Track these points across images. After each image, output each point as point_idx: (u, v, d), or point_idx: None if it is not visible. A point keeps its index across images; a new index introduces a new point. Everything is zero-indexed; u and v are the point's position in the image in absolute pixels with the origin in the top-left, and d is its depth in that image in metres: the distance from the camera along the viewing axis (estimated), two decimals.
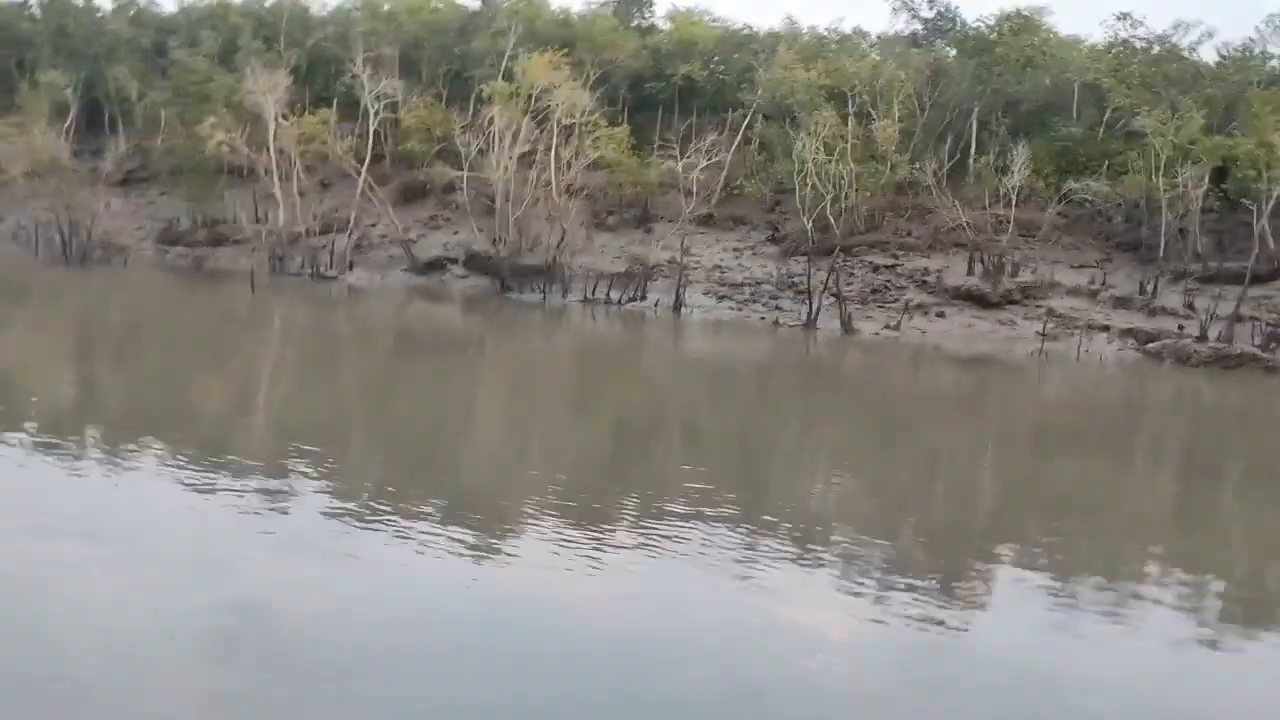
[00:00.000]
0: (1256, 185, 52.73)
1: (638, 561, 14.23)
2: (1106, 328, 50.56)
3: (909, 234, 59.39)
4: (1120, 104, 58.40)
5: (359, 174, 61.99)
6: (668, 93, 70.19)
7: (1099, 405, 37.63)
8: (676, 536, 15.24)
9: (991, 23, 62.33)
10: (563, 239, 58.25)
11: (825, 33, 69.72)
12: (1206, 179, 52.32)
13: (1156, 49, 63.74)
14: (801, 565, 14.78)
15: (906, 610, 12.93)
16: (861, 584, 14.11)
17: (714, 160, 60.76)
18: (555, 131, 59.79)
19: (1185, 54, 63.64)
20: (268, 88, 61.03)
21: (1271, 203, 51.23)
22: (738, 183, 61.98)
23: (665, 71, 69.99)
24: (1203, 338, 47.60)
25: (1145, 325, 50.24)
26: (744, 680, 10.61)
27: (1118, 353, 48.69)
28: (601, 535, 15.24)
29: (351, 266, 62.32)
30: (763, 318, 53.88)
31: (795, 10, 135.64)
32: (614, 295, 56.59)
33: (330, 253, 62.47)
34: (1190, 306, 51.30)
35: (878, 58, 63.26)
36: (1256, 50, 63.02)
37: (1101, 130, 59.36)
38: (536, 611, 11.94)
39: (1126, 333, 49.90)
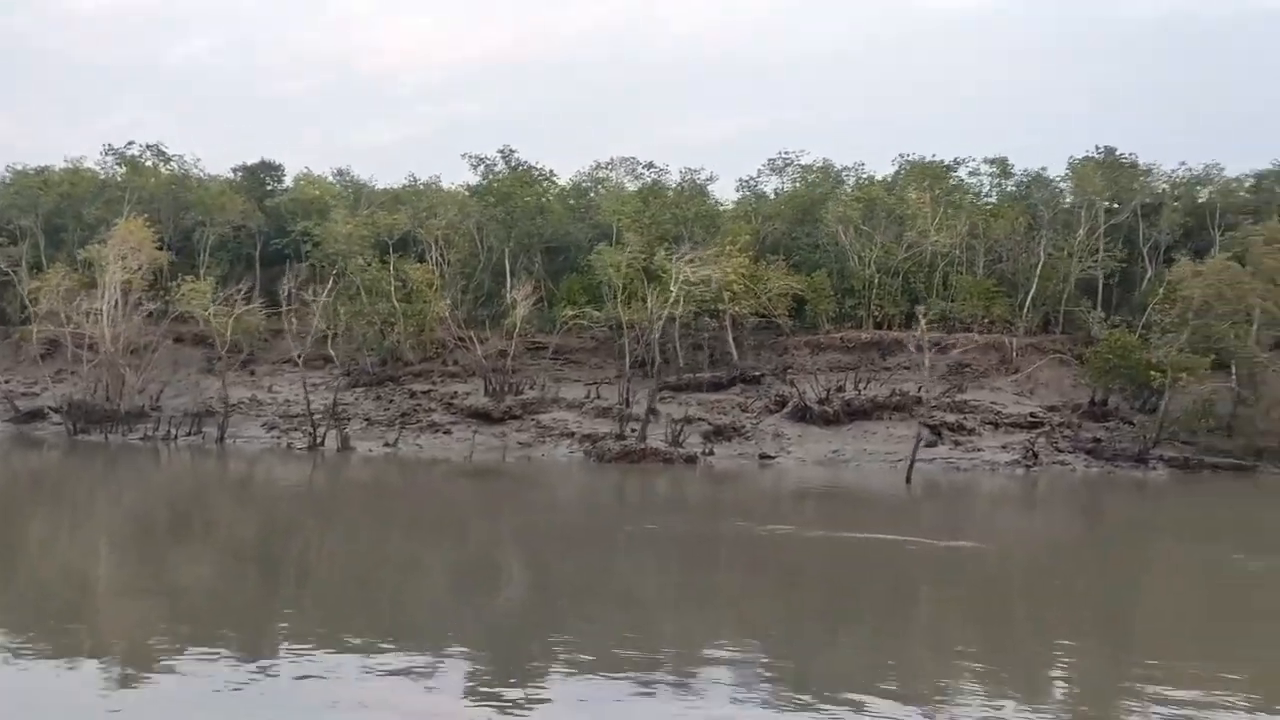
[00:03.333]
0: (720, 307, 63.01)
1: None
2: (573, 434, 59.46)
3: (455, 362, 68.06)
4: (636, 242, 68.17)
5: None
6: (291, 247, 78.22)
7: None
8: None
9: (506, 176, 72.33)
10: (136, 384, 65.73)
11: (404, 184, 78.71)
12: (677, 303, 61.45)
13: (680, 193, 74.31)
14: None
15: None
16: None
17: (307, 305, 68.47)
18: (139, 289, 67.65)
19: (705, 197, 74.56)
20: None
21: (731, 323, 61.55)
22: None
23: (286, 229, 78.05)
24: (622, 436, 56.73)
25: (604, 430, 59.20)
26: None
27: (569, 454, 57.53)
28: None
29: None
30: (290, 444, 61.55)
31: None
32: (176, 431, 63.88)
33: None
34: (653, 412, 60.53)
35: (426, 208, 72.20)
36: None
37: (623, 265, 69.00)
38: None
39: (586, 438, 58.83)
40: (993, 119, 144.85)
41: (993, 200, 71.97)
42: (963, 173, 72.42)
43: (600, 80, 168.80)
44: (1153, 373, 54.91)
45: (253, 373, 71.86)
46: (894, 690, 15.43)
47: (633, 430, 58.54)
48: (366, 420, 63.50)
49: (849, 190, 69.85)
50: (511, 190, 70.39)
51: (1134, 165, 70.08)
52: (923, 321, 53.15)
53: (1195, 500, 47.58)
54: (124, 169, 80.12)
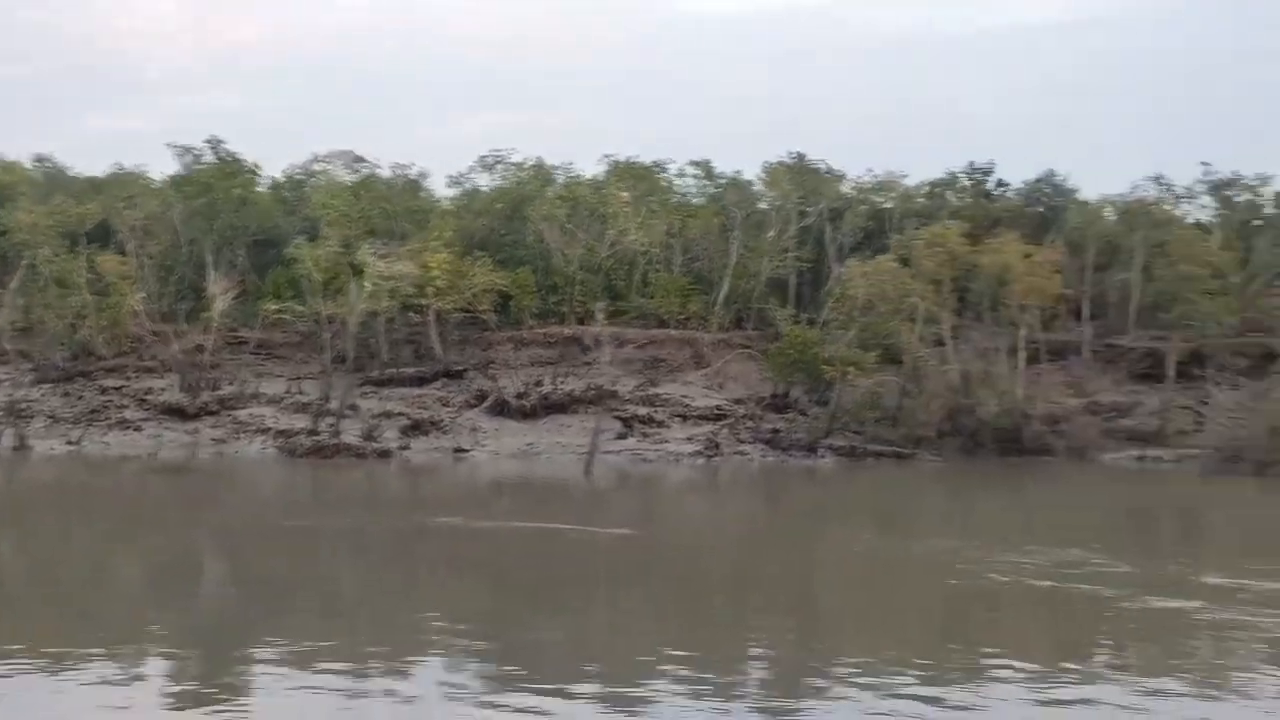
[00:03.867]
0: (423, 302, 63.50)
1: None
2: (268, 430, 58.92)
3: (153, 357, 66.14)
4: (345, 235, 67.68)
5: None
6: None
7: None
8: None
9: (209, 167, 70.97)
10: None
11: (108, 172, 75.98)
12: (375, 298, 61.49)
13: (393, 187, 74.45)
14: None
15: None
16: None
17: None
18: None
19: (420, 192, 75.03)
20: None
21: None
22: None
23: None
24: (314, 432, 56.72)
25: (301, 425, 58.88)
26: None
27: (262, 451, 57.03)
28: None
29: None
30: None
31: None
32: None
33: None
34: (353, 407, 60.51)
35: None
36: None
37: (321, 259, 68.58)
38: None
39: (281, 434, 58.39)
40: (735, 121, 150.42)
41: (701, 202, 74.95)
42: (671, 174, 75.19)
43: (366, 76, 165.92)
44: (824, 367, 58.64)
45: None
46: (597, 673, 16.33)
47: (330, 426, 58.51)
48: (51, 417, 61.09)
49: (557, 189, 71.35)
50: (212, 181, 68.87)
51: (825, 171, 74.39)
52: (600, 318, 55.13)
53: (853, 487, 51.17)
54: None
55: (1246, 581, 24.05)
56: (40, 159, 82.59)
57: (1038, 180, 76.04)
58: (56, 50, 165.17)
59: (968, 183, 78.71)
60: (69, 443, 57.91)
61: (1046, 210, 73.29)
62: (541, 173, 74.39)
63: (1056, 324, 67.30)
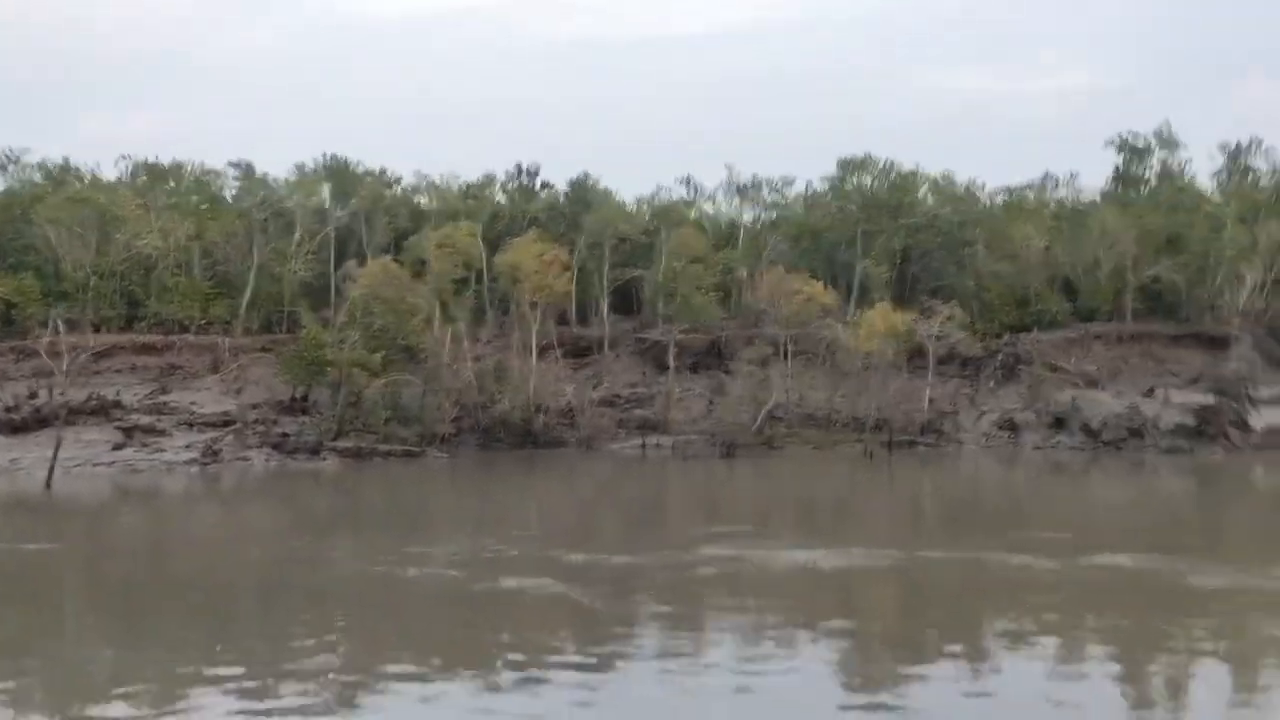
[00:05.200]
0: None
1: None
2: None
3: None
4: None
5: None
6: None
7: None
8: None
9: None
10: None
11: None
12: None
13: None
14: None
15: None
16: None
17: None
18: None
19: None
20: None
21: None
22: None
23: None
24: None
25: None
26: None
27: None
28: None
29: None
30: None
31: None
32: None
33: None
34: None
35: None
36: None
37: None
38: None
39: None
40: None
41: (241, 202, 73.44)
42: (199, 175, 73.31)
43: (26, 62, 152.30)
44: (329, 368, 58.80)
45: None
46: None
47: None
48: None
49: (67, 191, 68.18)
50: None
51: (365, 172, 74.64)
52: (60, 329, 53.17)
53: (335, 487, 51.38)
54: None
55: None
56: None
57: (574, 181, 79.08)
58: None
59: (514, 183, 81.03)
60: None
61: (579, 209, 76.17)
62: (53, 175, 70.83)
63: (592, 320, 70.54)
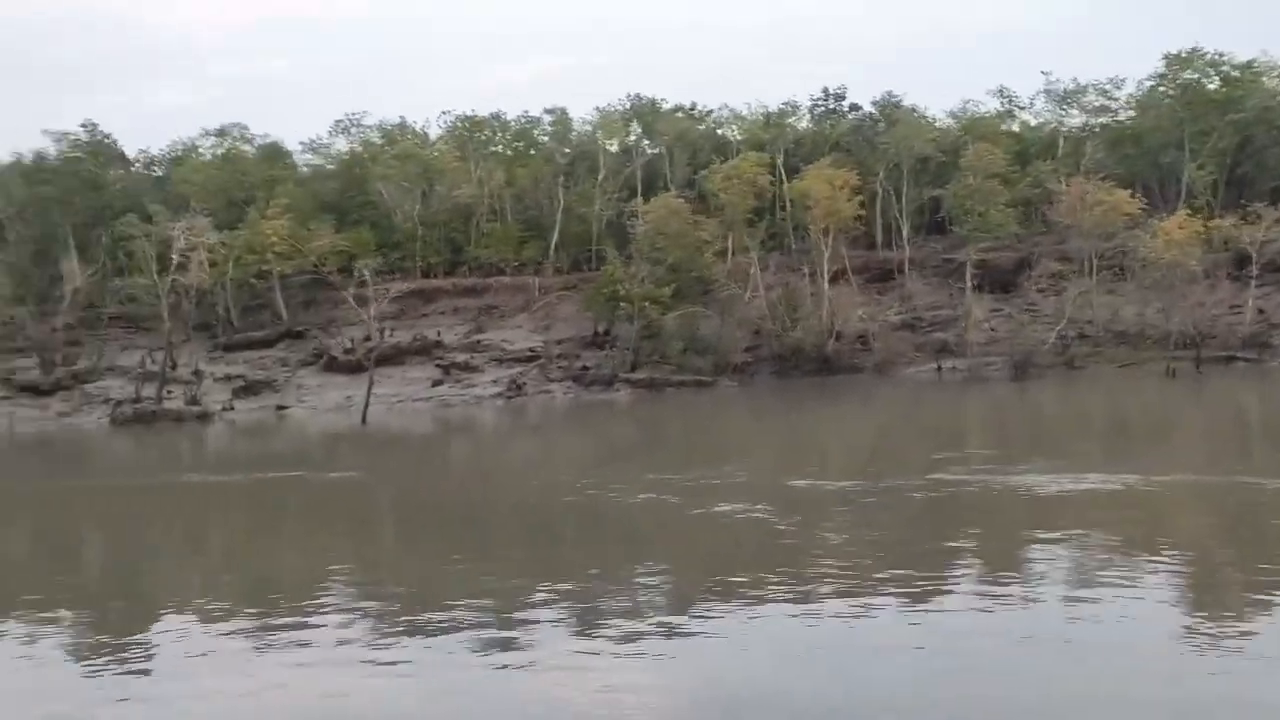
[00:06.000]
0: (264, 267, 66.81)
1: None
2: (108, 400, 62.67)
3: (26, 338, 70.14)
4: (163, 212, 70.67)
5: None
6: None
7: None
8: None
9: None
10: None
11: None
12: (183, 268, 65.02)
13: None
14: None
15: None
16: None
17: None
18: None
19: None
20: None
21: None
22: None
23: None
24: (137, 400, 60.42)
25: (147, 393, 62.57)
26: None
27: (99, 421, 60.79)
28: None
29: None
30: None
31: None
32: None
33: None
34: (197, 373, 64.19)
35: None
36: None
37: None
38: None
39: (120, 403, 62.09)
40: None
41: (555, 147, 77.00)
42: (520, 123, 77.38)
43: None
44: (623, 303, 61.09)
45: None
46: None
47: (170, 393, 62.09)
48: None
49: (395, 148, 73.96)
50: (65, 167, 72.46)
51: (674, 109, 76.25)
52: (366, 275, 57.93)
53: (630, 415, 53.21)
54: None
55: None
56: None
57: (878, 102, 77.14)
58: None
59: (820, 108, 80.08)
60: None
61: (882, 130, 74.22)
62: (388, 134, 76.94)
63: (896, 242, 69.05)
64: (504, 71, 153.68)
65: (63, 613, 16.58)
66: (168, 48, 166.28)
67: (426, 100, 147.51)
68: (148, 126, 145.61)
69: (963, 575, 16.00)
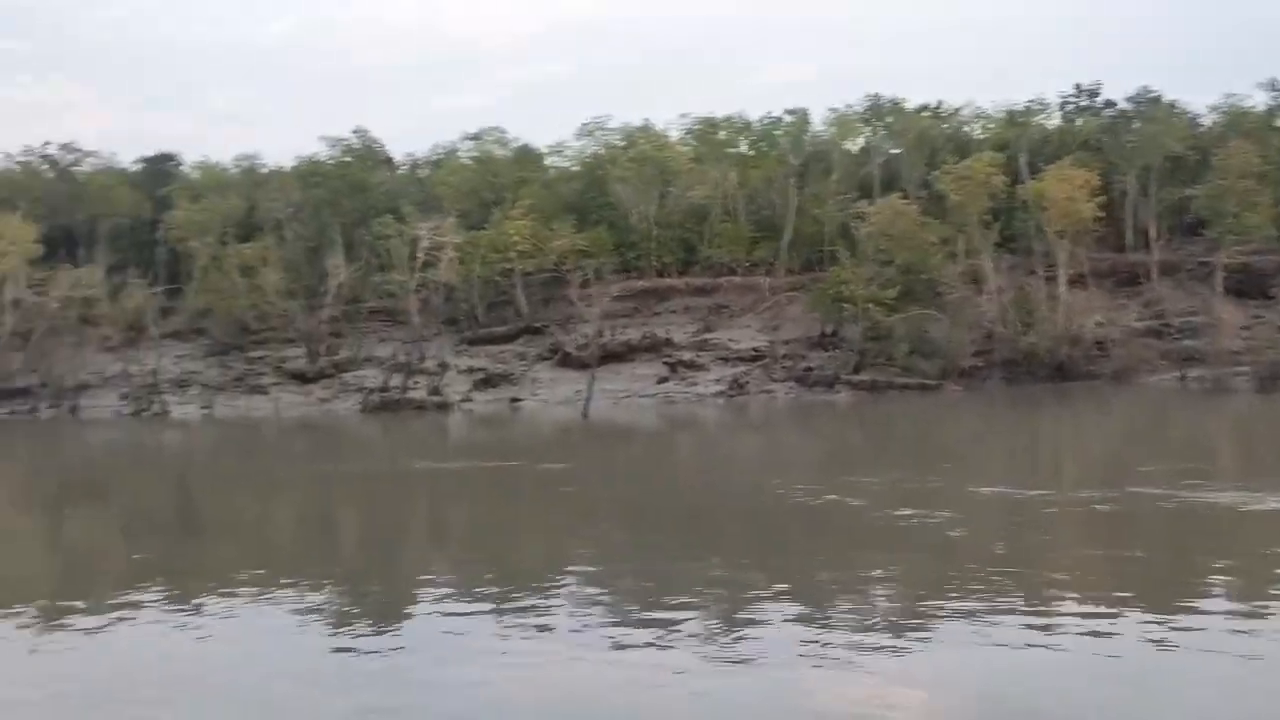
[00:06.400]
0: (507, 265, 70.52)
1: None
2: (362, 389, 67.35)
3: (297, 329, 76.24)
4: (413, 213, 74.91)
5: None
6: None
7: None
8: None
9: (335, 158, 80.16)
10: None
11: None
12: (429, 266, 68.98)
13: None
14: None
15: None
16: None
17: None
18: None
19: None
20: None
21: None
22: None
23: None
24: (384, 389, 64.63)
25: (394, 383, 67.02)
26: None
27: (350, 409, 65.48)
28: None
29: None
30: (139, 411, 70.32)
31: None
32: (39, 405, 73.09)
33: None
34: (443, 365, 68.22)
35: None
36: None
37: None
38: None
39: (372, 392, 66.65)
40: None
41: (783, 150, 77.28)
42: (758, 125, 78.12)
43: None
44: (848, 304, 60.92)
45: (134, 347, 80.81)
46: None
47: (415, 384, 66.20)
48: (203, 385, 72.01)
49: (632, 150, 75.92)
50: (335, 170, 78.02)
51: (920, 106, 75.29)
52: (589, 274, 59.74)
53: (853, 420, 53.01)
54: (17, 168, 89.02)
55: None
56: (244, 157, 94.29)
57: (1133, 98, 73.48)
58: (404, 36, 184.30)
59: (1072, 105, 77.04)
60: (203, 408, 68.37)
61: (1133, 127, 70.75)
62: (629, 136, 79.02)
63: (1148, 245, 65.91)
64: (785, 71, 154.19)
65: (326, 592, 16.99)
66: (462, 55, 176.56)
67: (715, 96, 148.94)
68: (435, 128, 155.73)
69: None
